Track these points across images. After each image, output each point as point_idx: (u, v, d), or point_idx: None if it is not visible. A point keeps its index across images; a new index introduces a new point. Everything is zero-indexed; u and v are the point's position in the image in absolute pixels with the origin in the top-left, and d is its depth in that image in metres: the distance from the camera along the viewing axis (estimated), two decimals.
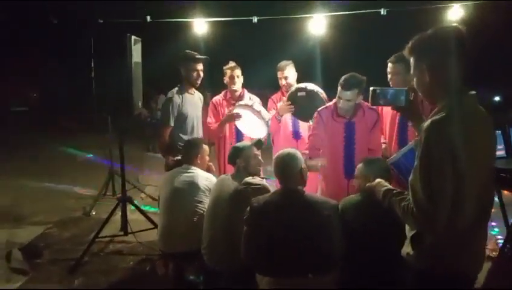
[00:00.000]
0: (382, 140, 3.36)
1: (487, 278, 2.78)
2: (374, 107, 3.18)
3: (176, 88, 3.71)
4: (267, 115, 3.68)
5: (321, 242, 2.17)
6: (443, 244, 1.58)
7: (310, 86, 3.55)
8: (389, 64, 3.30)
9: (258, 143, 2.95)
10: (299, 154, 2.44)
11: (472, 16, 4.16)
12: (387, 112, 3.30)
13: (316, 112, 3.26)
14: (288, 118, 3.80)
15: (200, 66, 3.71)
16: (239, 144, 2.93)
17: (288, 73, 3.88)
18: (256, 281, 2.30)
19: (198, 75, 3.72)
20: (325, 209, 2.23)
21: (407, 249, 1.69)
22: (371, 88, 1.89)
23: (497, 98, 6.09)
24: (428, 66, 1.60)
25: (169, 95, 3.67)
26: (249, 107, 3.63)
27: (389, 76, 3.31)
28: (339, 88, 3.05)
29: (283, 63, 3.92)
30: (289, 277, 2.14)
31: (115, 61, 3.55)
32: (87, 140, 7.49)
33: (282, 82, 3.91)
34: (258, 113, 3.62)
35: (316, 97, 3.50)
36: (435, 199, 1.50)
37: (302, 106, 3.50)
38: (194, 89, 3.80)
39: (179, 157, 3.34)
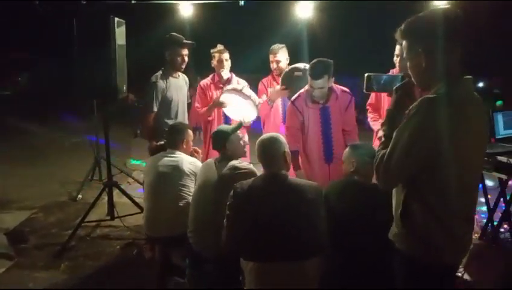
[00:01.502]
0: (380, 120, 3.38)
1: (468, 260, 2.85)
2: (347, 90, 3.20)
3: (160, 72, 3.67)
4: (257, 99, 3.66)
5: (306, 226, 2.17)
6: (429, 227, 1.58)
7: (307, 66, 3.53)
8: (397, 46, 3.25)
9: (239, 126, 2.94)
10: (282, 138, 2.41)
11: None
12: (385, 94, 3.31)
13: (289, 103, 3.25)
14: (279, 101, 3.80)
15: (185, 51, 3.68)
16: (223, 129, 2.88)
17: (281, 57, 3.86)
18: (241, 266, 2.32)
19: (183, 60, 3.69)
20: (308, 192, 2.22)
21: (394, 229, 1.71)
22: (366, 74, 1.88)
23: (480, 84, 6.14)
24: (423, 49, 1.56)
25: (153, 79, 3.63)
26: (238, 91, 3.61)
27: (396, 58, 3.29)
28: (309, 78, 3.05)
29: (276, 46, 3.89)
30: (273, 262, 2.15)
31: (98, 44, 3.48)
32: (73, 124, 7.40)
33: (274, 66, 3.89)
34: (247, 97, 3.60)
35: None
36: (390, 166, 1.56)
37: (298, 86, 3.48)
38: (179, 72, 3.76)
39: (162, 142, 3.32)
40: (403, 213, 1.63)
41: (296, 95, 3.23)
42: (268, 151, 2.33)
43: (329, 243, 2.22)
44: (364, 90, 1.97)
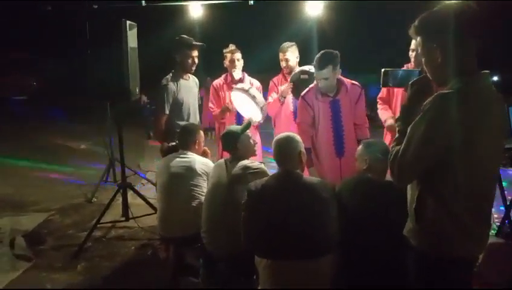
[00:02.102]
0: (389, 114, 3.36)
1: (484, 257, 2.80)
2: (357, 83, 3.19)
3: (170, 74, 3.70)
4: (262, 100, 3.67)
5: (318, 225, 2.18)
6: (443, 223, 1.57)
7: (313, 69, 3.52)
8: (413, 41, 3.23)
9: (248, 125, 2.93)
10: (298, 137, 2.45)
11: None
12: (398, 89, 3.28)
13: (300, 98, 3.24)
14: (289, 99, 3.80)
15: (195, 53, 3.71)
16: (232, 129, 2.90)
17: (290, 55, 3.85)
18: (255, 264, 2.33)
19: (193, 62, 3.72)
20: (322, 191, 2.24)
21: (409, 225, 1.70)
22: (383, 69, 1.87)
23: (495, 78, 6.02)
24: (438, 44, 1.54)
25: (164, 82, 3.67)
26: (245, 91, 3.62)
27: (411, 53, 3.26)
28: (314, 69, 3.05)
29: (285, 44, 3.89)
30: (287, 260, 2.16)
31: (110, 47, 3.52)
32: (86, 127, 7.50)
33: (283, 64, 3.89)
34: (252, 98, 3.61)
35: None
36: (405, 162, 1.55)
37: (304, 88, 3.48)
38: (189, 74, 3.78)
39: (174, 143, 3.35)
40: (417, 208, 1.62)
41: (306, 90, 3.23)
42: (284, 150, 2.37)
43: (342, 241, 2.22)
44: (380, 85, 1.96)
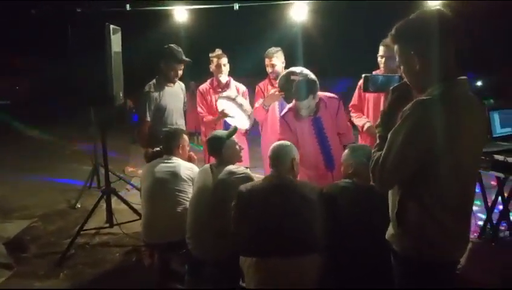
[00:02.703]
0: (365, 120, 3.40)
1: (467, 259, 2.84)
2: (334, 95, 3.21)
3: (154, 80, 3.71)
4: (249, 108, 3.66)
5: (306, 224, 2.25)
6: (425, 227, 1.58)
7: (305, 70, 3.51)
8: (381, 48, 3.29)
9: (234, 131, 2.94)
10: (294, 147, 2.57)
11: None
12: (369, 95, 3.33)
13: (280, 117, 3.25)
14: (275, 105, 3.80)
15: (181, 66, 3.73)
16: (218, 134, 2.90)
17: (276, 61, 3.86)
18: (240, 264, 2.35)
19: (176, 74, 3.75)
20: (309, 193, 2.33)
21: (390, 230, 1.71)
22: (363, 75, 1.89)
23: (479, 83, 6.16)
24: (416, 52, 1.56)
25: (146, 88, 3.68)
26: (232, 99, 3.61)
27: (380, 59, 3.31)
28: (294, 100, 3.06)
29: (271, 50, 3.90)
30: (274, 257, 2.20)
31: (94, 51, 3.49)
32: (72, 132, 7.41)
33: (269, 69, 3.89)
34: (239, 106, 3.61)
35: (309, 82, 3.43)
36: (385, 168, 1.56)
37: (295, 90, 3.45)
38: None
39: (158, 149, 3.34)
40: (398, 213, 1.64)
41: (286, 110, 3.22)
42: (278, 154, 2.48)
43: (329, 244, 2.25)
44: (362, 91, 1.97)
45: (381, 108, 3.20)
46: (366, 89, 1.91)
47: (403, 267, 1.70)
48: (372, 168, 1.63)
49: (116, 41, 3.58)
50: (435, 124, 1.49)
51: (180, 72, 3.75)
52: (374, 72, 3.32)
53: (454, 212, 1.59)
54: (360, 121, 3.48)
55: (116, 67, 3.55)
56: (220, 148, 2.78)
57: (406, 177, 1.58)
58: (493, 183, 3.69)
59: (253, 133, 4.06)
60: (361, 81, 3.43)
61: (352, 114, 3.58)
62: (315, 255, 2.24)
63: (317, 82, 3.07)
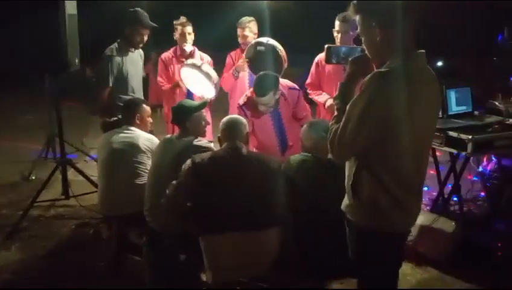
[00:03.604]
0: (326, 96, 3.42)
1: (419, 231, 2.97)
2: (293, 85, 3.22)
3: (115, 44, 3.52)
4: (215, 76, 3.58)
5: (266, 196, 2.23)
6: (378, 199, 1.62)
7: (271, 41, 3.46)
8: (337, 23, 3.29)
9: (203, 105, 2.85)
10: (244, 121, 2.50)
11: None
12: (329, 71, 3.35)
13: (237, 106, 3.23)
14: (245, 74, 3.73)
15: (146, 32, 3.56)
16: (185, 104, 2.79)
17: (249, 32, 3.76)
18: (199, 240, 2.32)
19: (142, 40, 3.58)
20: (269, 163, 2.30)
21: (346, 201, 1.74)
22: (326, 46, 1.87)
23: (439, 63, 6.35)
24: (378, 24, 1.55)
25: (108, 52, 3.48)
26: (197, 67, 3.52)
27: (336, 34, 3.31)
28: (254, 95, 3.01)
29: (244, 19, 3.81)
30: (234, 232, 2.18)
31: (47, 14, 3.27)
32: (25, 101, 7.03)
33: (241, 40, 3.80)
34: (205, 74, 3.51)
35: (275, 54, 3.41)
36: (343, 140, 1.57)
37: (261, 61, 3.42)
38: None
39: (116, 118, 3.22)
40: (353, 185, 1.67)
41: (244, 98, 3.19)
42: (232, 128, 2.38)
43: (288, 216, 2.26)
44: (325, 62, 1.96)
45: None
46: (328, 60, 1.89)
47: (356, 237, 1.74)
48: (330, 140, 1.64)
49: (71, 4, 3.38)
50: (392, 96, 1.50)
51: (145, 39, 3.60)
52: None
53: (406, 186, 1.63)
54: (320, 97, 3.47)
55: (71, 31, 3.36)
56: (185, 120, 2.68)
57: (363, 149, 1.59)
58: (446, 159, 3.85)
59: (218, 104, 3.98)
60: (318, 57, 3.49)
61: (309, 92, 3.56)
62: (275, 228, 2.24)
63: (278, 78, 3.03)
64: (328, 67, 3.36)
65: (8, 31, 3.33)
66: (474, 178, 3.93)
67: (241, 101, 3.20)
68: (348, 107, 1.58)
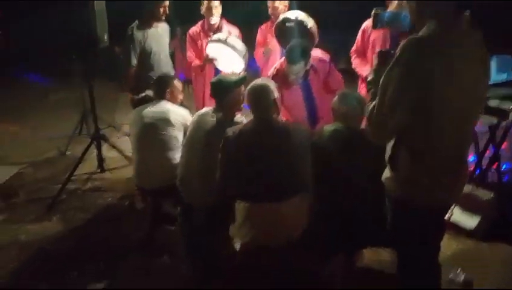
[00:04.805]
0: (370, 69, 3.32)
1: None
2: (324, 57, 3.11)
3: (136, 22, 3.54)
4: (243, 48, 3.53)
5: (294, 166, 2.24)
6: (416, 173, 1.59)
7: (300, 16, 3.27)
8: None
9: (243, 79, 2.75)
10: (272, 84, 2.44)
11: None
12: (375, 39, 3.21)
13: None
14: (277, 50, 3.66)
15: (166, 3, 3.56)
16: (226, 79, 2.71)
17: (279, 3, 3.66)
18: (232, 211, 2.36)
19: (165, 11, 3.58)
20: (297, 134, 2.29)
21: (386, 173, 1.71)
22: (373, 11, 1.84)
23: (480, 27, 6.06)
24: None
25: (129, 31, 3.53)
26: (222, 41, 3.47)
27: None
28: (285, 63, 2.95)
29: None
30: (262, 202, 2.21)
31: None
32: (57, 81, 7.19)
33: (271, 12, 3.71)
34: (232, 47, 3.47)
35: (304, 30, 3.25)
36: (383, 112, 1.52)
37: (290, 37, 3.33)
38: (157, 22, 3.63)
39: (144, 95, 3.25)
40: (391, 157, 1.65)
41: (273, 70, 3.12)
42: (259, 97, 2.36)
43: (320, 187, 2.25)
44: (372, 28, 1.89)
45: None
46: (374, 25, 1.86)
47: (394, 209, 1.72)
48: (368, 118, 1.62)
49: None
50: (429, 64, 1.43)
51: (167, 10, 3.59)
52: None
53: (445, 161, 1.58)
54: (363, 70, 3.34)
55: (99, 7, 3.37)
56: (224, 94, 2.64)
57: (401, 123, 1.54)
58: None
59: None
60: (365, 23, 3.37)
61: (353, 60, 3.45)
62: (304, 197, 2.25)
63: (310, 48, 2.96)
64: (373, 35, 3.21)
65: (36, 11, 3.38)
66: None
67: (270, 73, 3.16)
68: (382, 79, 1.53)
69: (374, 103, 1.57)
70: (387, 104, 1.50)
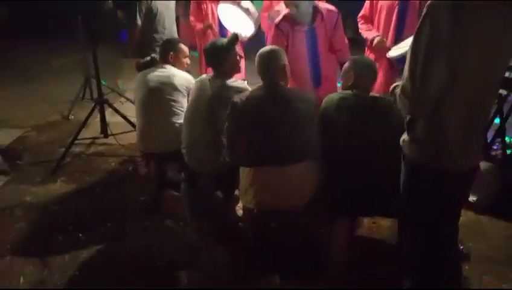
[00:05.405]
0: (375, 33, 3.27)
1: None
2: (333, 8, 3.02)
3: None
4: (255, 11, 3.43)
5: (301, 133, 2.23)
6: (432, 138, 1.58)
7: None
8: None
9: (234, 39, 2.71)
10: (281, 50, 2.42)
11: None
12: (383, 5, 3.20)
13: (273, 25, 3.06)
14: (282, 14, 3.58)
15: None
16: (217, 43, 2.67)
17: None
18: (237, 177, 2.38)
19: None
20: (304, 101, 2.28)
21: (404, 136, 1.72)
22: None
23: None
24: None
25: None
26: (236, 2, 3.38)
27: None
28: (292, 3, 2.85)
29: None
30: (269, 165, 2.21)
31: None
32: (61, 45, 7.07)
33: None
34: (245, 10, 3.38)
35: None
36: (418, 80, 1.46)
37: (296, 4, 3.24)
38: None
39: (149, 58, 3.20)
40: (409, 122, 1.65)
41: (280, 18, 3.03)
42: (268, 64, 2.33)
43: (328, 154, 2.25)
44: None
45: (394, 19, 3.11)
46: None
47: (409, 171, 1.72)
48: (402, 89, 1.53)
49: None
50: (448, 30, 1.38)
51: None
52: None
53: (464, 126, 1.56)
54: (369, 34, 3.33)
55: None
56: (218, 59, 2.62)
57: (439, 89, 1.48)
58: None
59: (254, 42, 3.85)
60: None
61: (360, 25, 3.42)
62: (312, 163, 2.25)
63: None
64: (382, 2, 3.23)
65: None
66: None
67: (277, 20, 3.07)
68: (411, 44, 1.48)
69: (402, 82, 1.53)
70: (420, 68, 1.44)
